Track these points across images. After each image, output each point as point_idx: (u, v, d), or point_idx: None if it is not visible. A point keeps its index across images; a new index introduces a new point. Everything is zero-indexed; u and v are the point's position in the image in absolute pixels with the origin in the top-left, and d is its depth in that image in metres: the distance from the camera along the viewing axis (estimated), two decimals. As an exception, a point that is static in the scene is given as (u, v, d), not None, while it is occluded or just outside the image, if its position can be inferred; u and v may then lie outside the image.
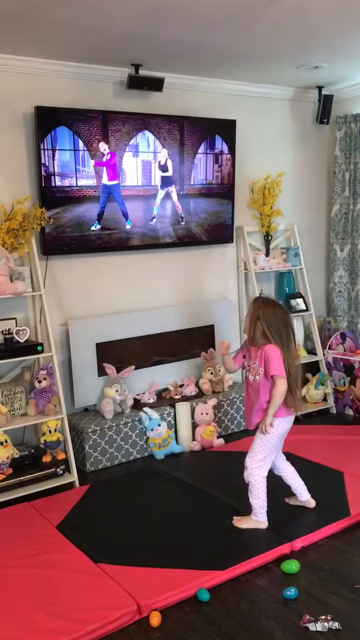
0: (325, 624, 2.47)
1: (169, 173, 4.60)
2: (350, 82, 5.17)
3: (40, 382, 3.97)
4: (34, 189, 4.14)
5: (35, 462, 3.93)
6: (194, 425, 4.58)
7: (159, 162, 4.54)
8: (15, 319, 4.08)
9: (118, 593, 2.71)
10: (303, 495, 3.44)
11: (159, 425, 4.36)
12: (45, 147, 4.04)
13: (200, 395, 4.77)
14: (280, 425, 3.23)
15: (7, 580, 2.87)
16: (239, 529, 3.24)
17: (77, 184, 4.21)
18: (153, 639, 2.49)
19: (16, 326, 4.02)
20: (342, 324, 5.61)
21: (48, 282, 4.21)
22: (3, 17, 3.24)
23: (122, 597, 2.67)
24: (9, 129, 4.04)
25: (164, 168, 4.58)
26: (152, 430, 4.35)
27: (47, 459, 3.93)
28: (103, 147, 4.26)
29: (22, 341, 3.86)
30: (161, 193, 4.60)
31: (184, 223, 4.76)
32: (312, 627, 2.48)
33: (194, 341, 4.96)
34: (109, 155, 4.30)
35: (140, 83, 4.33)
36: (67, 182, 4.17)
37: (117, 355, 4.55)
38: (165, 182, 4.60)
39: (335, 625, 2.47)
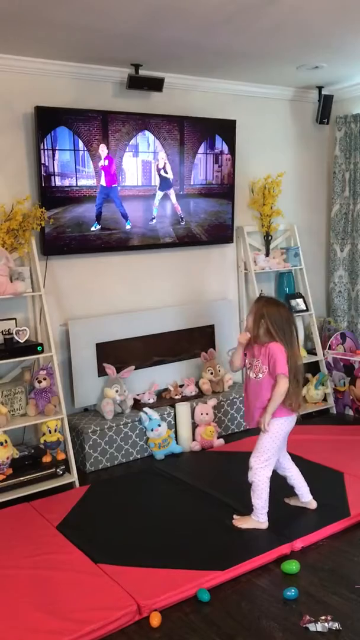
0: (326, 624, 2.47)
1: (169, 176, 4.60)
2: (350, 82, 5.17)
3: (40, 382, 3.97)
4: (34, 189, 4.14)
5: (35, 462, 3.93)
6: (194, 426, 4.58)
7: (157, 165, 4.54)
8: (15, 319, 4.08)
9: (118, 593, 2.70)
10: (305, 496, 3.44)
11: (159, 425, 4.36)
12: (45, 147, 4.04)
13: (200, 395, 4.77)
14: (284, 425, 3.24)
15: (7, 581, 2.87)
16: (239, 529, 3.24)
17: (77, 184, 4.21)
18: (153, 639, 2.49)
19: (16, 326, 4.01)
20: (342, 324, 5.61)
21: (48, 282, 4.21)
22: (3, 17, 3.24)
23: (122, 597, 2.67)
24: (8, 129, 4.04)
25: (163, 171, 4.57)
26: (152, 430, 4.35)
27: (47, 459, 3.93)
28: (102, 151, 4.26)
29: (22, 341, 3.86)
30: (159, 194, 4.60)
31: (184, 223, 4.76)
32: (312, 627, 2.47)
33: (194, 341, 4.96)
34: (107, 160, 4.29)
35: (140, 83, 4.33)
36: (67, 182, 4.17)
37: (117, 355, 4.55)
38: (164, 184, 4.60)
39: (336, 625, 2.47)
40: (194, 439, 4.55)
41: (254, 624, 2.54)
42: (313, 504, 3.44)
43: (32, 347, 3.88)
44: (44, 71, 4.09)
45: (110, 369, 4.42)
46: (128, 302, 4.69)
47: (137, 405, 4.55)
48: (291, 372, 3.17)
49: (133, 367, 4.54)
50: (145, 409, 4.41)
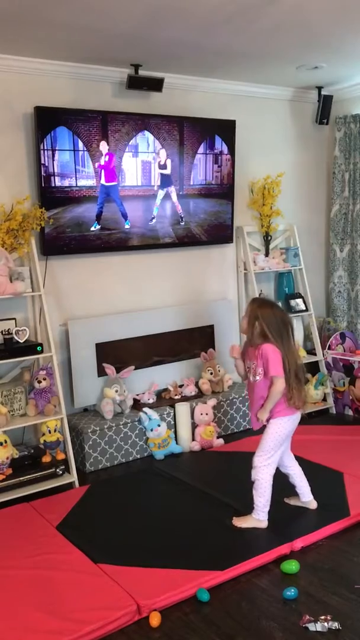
0: (325, 624, 2.47)
1: (168, 171, 4.60)
2: (349, 83, 5.18)
3: (39, 382, 3.96)
4: (34, 189, 4.14)
5: (35, 462, 3.93)
6: (194, 426, 4.58)
7: (159, 161, 4.54)
8: (14, 319, 4.08)
9: (118, 593, 2.70)
10: (306, 495, 3.45)
11: (159, 425, 4.36)
12: (45, 148, 4.04)
13: (199, 395, 4.77)
14: (287, 424, 3.24)
15: (7, 581, 2.87)
16: (239, 529, 3.24)
17: (76, 184, 4.21)
18: (153, 639, 2.49)
19: (16, 326, 4.01)
20: (342, 324, 5.61)
21: (48, 282, 4.21)
22: (3, 17, 3.24)
23: (122, 597, 2.67)
24: (8, 129, 4.04)
25: (163, 167, 4.58)
26: (151, 430, 4.35)
27: (46, 459, 3.93)
28: (103, 147, 4.26)
29: (21, 341, 3.86)
30: (161, 193, 4.60)
31: (183, 223, 4.76)
32: (312, 627, 2.47)
33: (193, 341, 4.96)
34: (108, 156, 4.29)
35: (139, 83, 4.33)
36: (66, 183, 4.17)
37: (116, 355, 4.55)
38: (165, 182, 4.60)
39: (335, 625, 2.47)
40: (193, 439, 4.55)
41: (254, 623, 2.54)
42: (313, 504, 3.44)
43: (31, 347, 3.88)
44: (43, 71, 4.09)
45: (109, 369, 4.42)
46: (128, 302, 4.69)
47: (137, 405, 4.55)
48: (291, 371, 3.18)
49: (133, 367, 4.54)
50: (145, 409, 4.41)
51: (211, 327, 5.05)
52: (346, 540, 3.17)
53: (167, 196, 4.63)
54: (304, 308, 5.29)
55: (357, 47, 4.09)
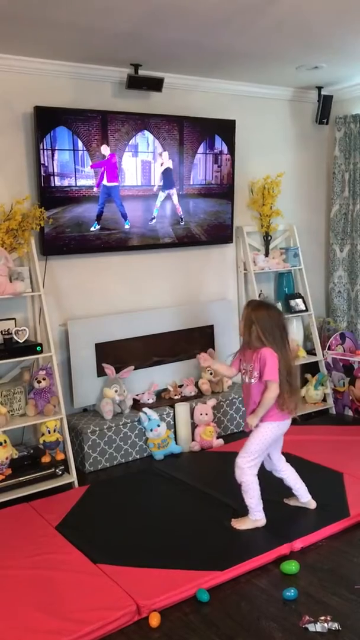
0: (325, 624, 2.47)
1: (171, 174, 4.59)
2: (349, 83, 5.18)
3: (39, 382, 3.96)
4: (33, 189, 4.14)
5: (35, 462, 3.92)
6: (194, 426, 4.58)
7: (162, 164, 4.54)
8: (14, 319, 4.08)
9: (117, 593, 2.70)
10: (304, 496, 3.44)
11: (158, 425, 4.35)
12: (45, 147, 4.04)
13: (199, 395, 4.77)
14: (275, 429, 3.23)
15: (7, 581, 2.86)
16: (238, 530, 3.24)
17: (76, 184, 4.21)
18: (152, 639, 2.49)
19: (15, 326, 4.01)
20: (342, 325, 5.61)
21: (47, 282, 4.21)
22: (3, 17, 3.23)
23: (122, 597, 2.67)
24: (8, 129, 4.04)
25: (166, 170, 4.57)
26: (151, 430, 4.35)
27: (46, 459, 3.92)
28: (105, 150, 4.26)
29: (21, 341, 3.86)
30: (162, 195, 4.60)
31: (183, 223, 4.76)
32: (311, 627, 2.47)
33: (193, 341, 4.95)
34: (109, 156, 4.29)
35: (139, 83, 4.33)
36: (66, 182, 4.17)
37: (116, 355, 4.55)
38: (167, 184, 4.60)
39: (335, 626, 2.47)
40: (193, 439, 4.55)
41: (254, 624, 2.54)
42: (312, 504, 3.44)
43: (31, 347, 3.88)
44: (43, 71, 4.09)
45: (109, 369, 4.42)
46: (127, 302, 4.69)
47: (137, 405, 4.55)
48: (282, 376, 3.16)
49: (132, 367, 4.53)
50: (145, 409, 4.40)
51: (211, 327, 5.05)
52: (346, 540, 3.17)
53: (167, 198, 4.63)
54: (304, 308, 5.29)
55: (357, 47, 4.09)
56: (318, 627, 2.47)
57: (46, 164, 4.06)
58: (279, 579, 2.85)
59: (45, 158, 4.05)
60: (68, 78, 4.21)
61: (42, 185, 4.08)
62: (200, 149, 4.72)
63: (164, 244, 4.72)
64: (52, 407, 3.91)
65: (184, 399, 4.68)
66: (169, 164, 4.58)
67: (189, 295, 5.01)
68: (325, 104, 5.30)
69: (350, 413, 5.16)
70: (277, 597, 2.71)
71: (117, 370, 4.46)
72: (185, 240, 4.80)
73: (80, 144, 4.18)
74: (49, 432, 3.94)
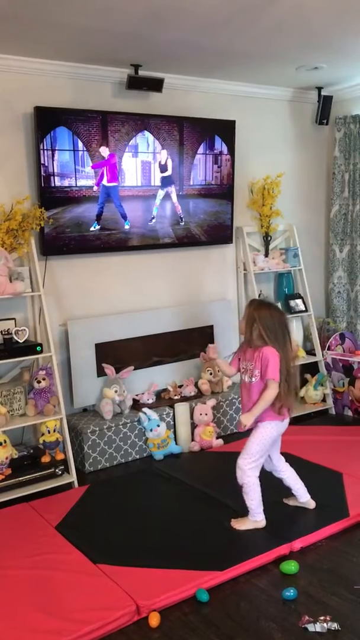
0: (325, 624, 2.47)
1: (169, 173, 4.60)
2: (349, 83, 5.18)
3: (39, 382, 3.96)
4: (34, 189, 4.14)
5: (34, 462, 3.92)
6: (193, 426, 4.58)
7: (159, 162, 4.54)
8: (14, 319, 4.08)
9: (117, 594, 2.70)
10: (303, 496, 3.44)
11: (158, 425, 4.36)
12: (45, 148, 4.04)
13: (199, 395, 4.77)
14: (274, 429, 3.23)
15: (7, 581, 2.86)
16: (238, 530, 3.24)
17: (76, 184, 4.21)
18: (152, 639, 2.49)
19: (15, 326, 4.01)
20: (341, 325, 5.61)
21: (47, 282, 4.21)
22: (3, 17, 3.24)
23: (121, 597, 2.67)
24: (8, 129, 4.04)
25: (163, 168, 4.58)
26: (151, 430, 4.35)
27: (46, 459, 3.93)
28: (104, 151, 4.26)
29: (21, 341, 3.86)
30: (161, 193, 4.60)
31: (183, 223, 4.76)
32: (311, 627, 2.47)
33: (193, 342, 4.96)
34: (109, 157, 4.29)
35: (139, 84, 4.33)
36: (66, 183, 4.17)
37: (116, 355, 4.55)
38: (165, 182, 4.60)
39: (334, 626, 2.47)
40: (193, 440, 4.55)
41: (253, 624, 2.54)
42: (312, 504, 3.44)
43: (31, 347, 3.88)
44: (43, 71, 4.09)
45: (109, 369, 4.42)
46: (127, 302, 4.69)
47: (136, 405, 4.55)
48: (282, 375, 3.16)
49: (132, 367, 4.54)
50: (145, 409, 4.41)
51: (211, 327, 5.05)
52: (345, 540, 3.17)
53: (167, 196, 4.63)
54: (304, 309, 5.29)
55: (357, 47, 4.09)
56: (317, 627, 2.47)
57: (46, 164, 4.07)
58: (278, 579, 2.85)
59: (46, 158, 4.06)
60: (68, 78, 4.21)
61: (42, 185, 4.08)
62: (200, 150, 4.73)
63: (164, 244, 4.72)
64: (52, 407, 3.91)
65: (184, 399, 4.68)
66: (168, 163, 4.58)
67: (188, 296, 5.01)
68: (325, 105, 5.30)
69: (349, 413, 5.16)
70: (276, 597, 2.71)
71: (117, 371, 4.46)
72: (185, 240, 4.81)
73: (80, 144, 4.18)
74: (49, 432, 3.94)
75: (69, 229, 4.24)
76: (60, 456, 3.96)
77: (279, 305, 5.00)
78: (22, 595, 2.74)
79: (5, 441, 3.75)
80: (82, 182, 4.23)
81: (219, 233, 4.97)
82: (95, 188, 4.28)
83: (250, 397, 3.24)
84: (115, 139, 4.32)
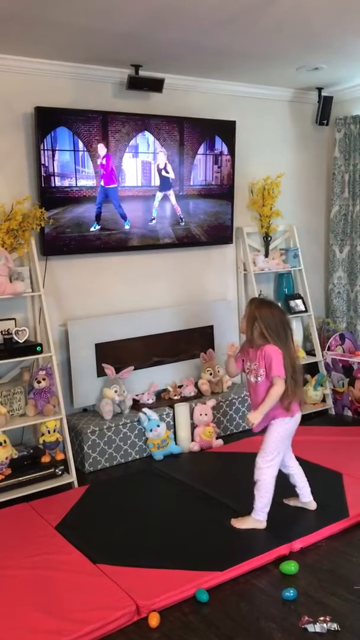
0: (324, 625, 2.47)
1: (170, 175, 4.60)
2: (350, 84, 5.18)
3: (39, 382, 3.96)
4: (34, 189, 4.14)
5: (34, 462, 3.92)
6: (193, 426, 4.58)
7: (158, 165, 4.54)
8: (14, 319, 4.08)
9: (117, 594, 2.70)
10: (306, 496, 3.45)
11: (158, 425, 4.36)
12: (45, 148, 4.04)
13: (199, 395, 4.77)
14: (288, 425, 3.25)
15: (6, 581, 2.86)
16: (238, 530, 3.24)
17: (76, 184, 4.21)
18: (152, 640, 2.49)
19: (15, 326, 4.01)
20: (341, 325, 5.61)
21: (47, 282, 4.21)
22: (3, 17, 3.24)
23: (121, 597, 2.67)
24: (8, 130, 4.04)
25: (164, 171, 4.58)
26: (151, 430, 4.35)
27: (45, 459, 3.92)
28: (101, 150, 4.26)
29: (21, 341, 3.86)
30: (159, 195, 4.60)
31: (183, 224, 4.76)
32: (310, 628, 2.47)
33: (193, 342, 4.96)
34: (105, 159, 4.29)
35: (140, 84, 4.33)
36: (66, 183, 4.17)
37: (116, 355, 4.55)
38: (164, 185, 4.60)
39: (334, 626, 2.47)
40: (192, 440, 4.55)
41: (253, 624, 2.54)
42: (313, 505, 3.44)
43: (31, 347, 3.88)
44: (43, 71, 4.09)
45: (109, 369, 4.42)
46: (127, 303, 4.69)
47: (136, 405, 4.55)
48: (288, 373, 3.17)
49: (132, 367, 4.54)
50: (144, 410, 4.41)
51: (211, 327, 5.05)
52: (345, 541, 3.18)
53: (165, 198, 4.63)
54: (304, 309, 5.29)
55: (357, 48, 4.09)
56: (317, 628, 2.47)
57: (47, 164, 4.07)
58: (278, 580, 2.85)
59: (46, 158, 4.06)
60: (68, 78, 4.21)
61: (43, 185, 4.08)
62: (201, 150, 4.73)
63: (164, 244, 4.72)
64: (51, 407, 3.91)
65: (184, 399, 4.68)
66: (168, 166, 4.58)
67: (188, 296, 5.01)
68: (325, 105, 5.30)
69: (349, 414, 5.16)
70: (276, 597, 2.71)
71: (117, 371, 4.46)
72: (185, 240, 4.81)
73: (80, 145, 4.18)
74: (49, 432, 3.94)
75: (69, 229, 4.24)
76: (60, 456, 3.96)
77: (279, 305, 5.00)
78: (22, 595, 2.74)
79: (5, 441, 3.75)
80: (82, 183, 4.23)
81: (219, 233, 4.97)
82: (96, 190, 4.28)
83: (257, 396, 3.24)
84: (116, 139, 4.32)
